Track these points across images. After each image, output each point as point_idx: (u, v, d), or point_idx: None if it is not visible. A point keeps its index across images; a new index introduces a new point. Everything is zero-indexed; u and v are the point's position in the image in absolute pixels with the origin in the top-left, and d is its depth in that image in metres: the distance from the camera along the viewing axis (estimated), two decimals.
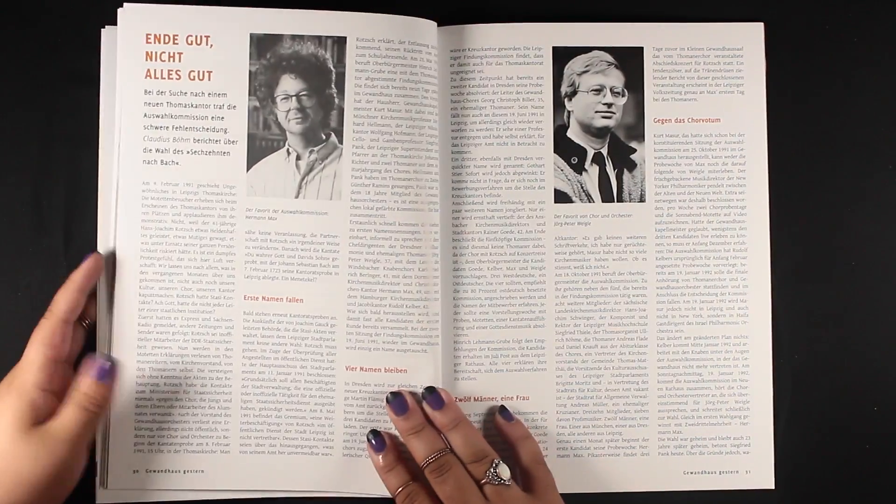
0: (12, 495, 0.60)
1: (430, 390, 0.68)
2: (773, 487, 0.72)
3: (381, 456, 0.67)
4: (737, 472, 0.71)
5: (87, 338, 0.68)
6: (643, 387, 0.71)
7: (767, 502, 0.72)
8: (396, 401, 0.68)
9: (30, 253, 0.72)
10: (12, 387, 0.62)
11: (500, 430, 0.70)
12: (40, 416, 0.62)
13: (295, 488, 0.69)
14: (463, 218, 0.71)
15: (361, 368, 0.69)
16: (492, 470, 0.64)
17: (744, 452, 0.72)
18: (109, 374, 0.65)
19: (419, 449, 0.66)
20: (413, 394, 0.69)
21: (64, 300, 0.65)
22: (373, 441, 0.68)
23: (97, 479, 0.68)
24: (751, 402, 0.72)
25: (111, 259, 0.69)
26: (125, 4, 0.69)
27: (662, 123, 0.72)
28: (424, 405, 0.68)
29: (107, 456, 0.68)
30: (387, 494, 0.68)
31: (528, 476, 0.67)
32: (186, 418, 0.69)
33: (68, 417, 0.62)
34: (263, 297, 0.69)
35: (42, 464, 0.60)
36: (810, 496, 0.73)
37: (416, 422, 0.67)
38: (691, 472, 0.71)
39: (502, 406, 0.70)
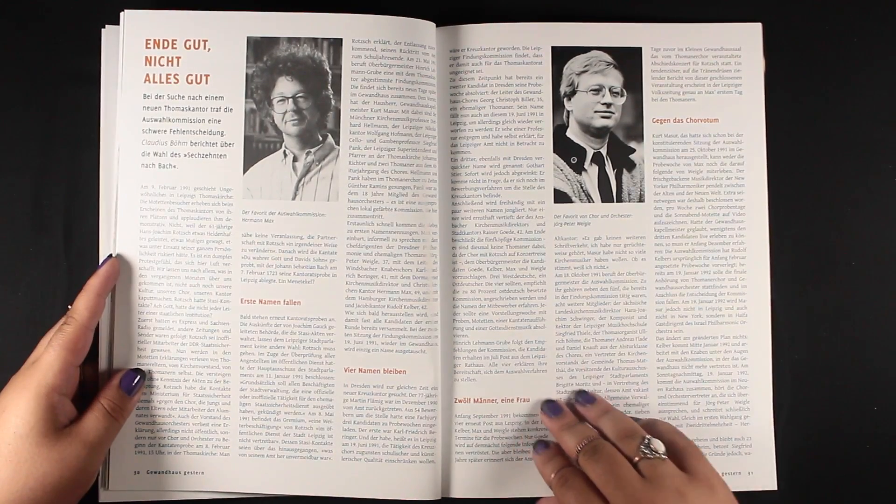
0: (35, 498, 0.60)
1: (581, 392, 0.70)
2: (775, 488, 0.72)
3: (542, 454, 0.67)
4: (739, 473, 0.71)
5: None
6: (643, 388, 0.71)
7: (770, 503, 0.72)
8: (550, 405, 0.69)
9: (30, 253, 0.72)
10: (29, 389, 0.62)
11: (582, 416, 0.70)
12: (60, 420, 0.63)
13: (293, 492, 0.69)
14: (462, 218, 0.71)
15: (360, 370, 0.69)
16: (644, 445, 0.62)
17: (745, 453, 0.71)
18: (137, 386, 0.67)
19: (571, 440, 0.65)
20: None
21: (85, 307, 0.65)
22: (537, 446, 0.68)
23: (99, 480, 0.69)
24: (751, 403, 0.71)
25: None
26: (126, 11, 0.69)
27: (661, 123, 0.72)
28: (576, 405, 0.69)
29: (108, 457, 0.69)
30: (385, 496, 0.68)
31: (672, 451, 0.64)
32: (186, 420, 0.69)
33: (96, 424, 0.64)
34: (260, 300, 0.69)
35: (67, 466, 0.61)
36: (813, 496, 0.73)
37: (568, 419, 0.68)
38: None
39: (581, 390, 0.71)
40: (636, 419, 0.67)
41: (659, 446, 0.61)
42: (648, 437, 0.62)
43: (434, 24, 0.71)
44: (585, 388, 0.71)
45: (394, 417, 0.69)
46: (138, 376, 0.67)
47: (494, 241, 0.71)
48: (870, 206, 0.74)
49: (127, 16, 0.69)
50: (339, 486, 0.69)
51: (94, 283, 0.66)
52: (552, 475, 0.64)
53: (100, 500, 0.69)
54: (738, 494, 0.71)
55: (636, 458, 0.61)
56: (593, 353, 0.71)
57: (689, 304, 0.72)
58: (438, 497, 0.70)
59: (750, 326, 0.72)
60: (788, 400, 0.72)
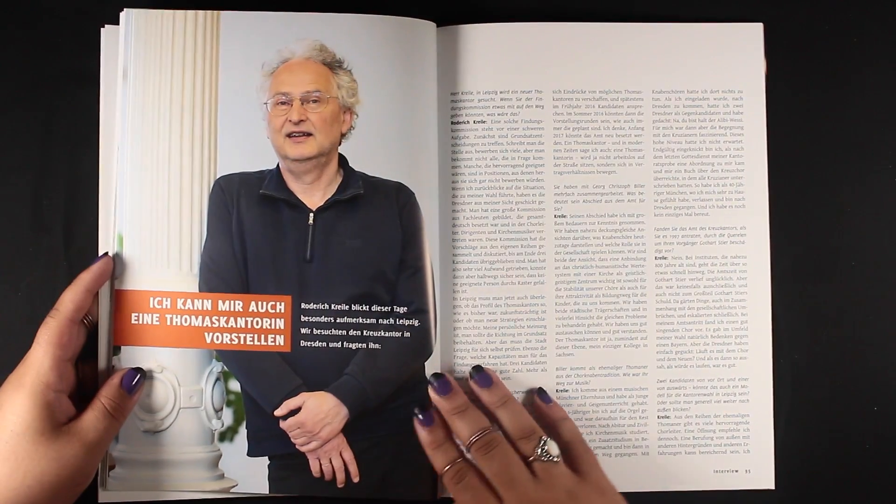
0: (32, 496, 0.60)
1: (478, 369, 0.69)
2: (773, 487, 0.72)
3: (428, 431, 0.67)
4: (736, 471, 0.71)
5: (88, 335, 0.68)
6: (643, 385, 0.71)
7: (767, 502, 0.72)
8: (439, 382, 0.68)
9: (30, 253, 0.72)
10: (23, 388, 0.62)
11: (538, 413, 0.69)
12: (58, 418, 0.62)
13: None
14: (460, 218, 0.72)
15: None
16: (541, 446, 0.63)
17: (744, 452, 0.71)
18: (138, 385, 0.67)
19: (463, 428, 0.65)
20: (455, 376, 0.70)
21: (71, 300, 0.65)
22: (420, 416, 0.68)
23: (98, 479, 0.68)
24: (751, 403, 0.72)
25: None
26: (125, 10, 0.69)
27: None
28: (471, 384, 0.69)
29: (107, 457, 0.68)
30: None
31: (570, 456, 0.66)
32: None
33: (95, 423, 0.64)
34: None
35: (65, 465, 0.61)
36: (810, 496, 0.73)
37: (459, 402, 0.67)
38: (691, 472, 0.71)
39: (540, 388, 0.70)
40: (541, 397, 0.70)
41: (553, 449, 0.64)
42: (545, 438, 0.64)
43: (434, 25, 0.71)
44: (584, 386, 0.71)
45: None
46: (139, 375, 0.67)
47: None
48: (870, 206, 0.74)
49: (126, 15, 0.69)
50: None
51: (84, 278, 0.66)
52: (445, 468, 0.65)
53: (99, 501, 0.69)
54: (735, 493, 0.71)
55: (530, 458, 0.63)
56: (593, 352, 0.71)
57: (689, 303, 0.72)
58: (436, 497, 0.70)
59: (750, 327, 0.72)
60: (788, 400, 0.72)
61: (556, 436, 0.67)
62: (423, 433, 0.67)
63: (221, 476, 0.69)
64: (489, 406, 0.67)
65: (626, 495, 0.69)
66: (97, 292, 0.68)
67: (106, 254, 0.68)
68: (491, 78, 0.72)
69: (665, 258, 0.72)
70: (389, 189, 0.69)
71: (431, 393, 0.68)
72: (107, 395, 0.65)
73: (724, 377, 0.72)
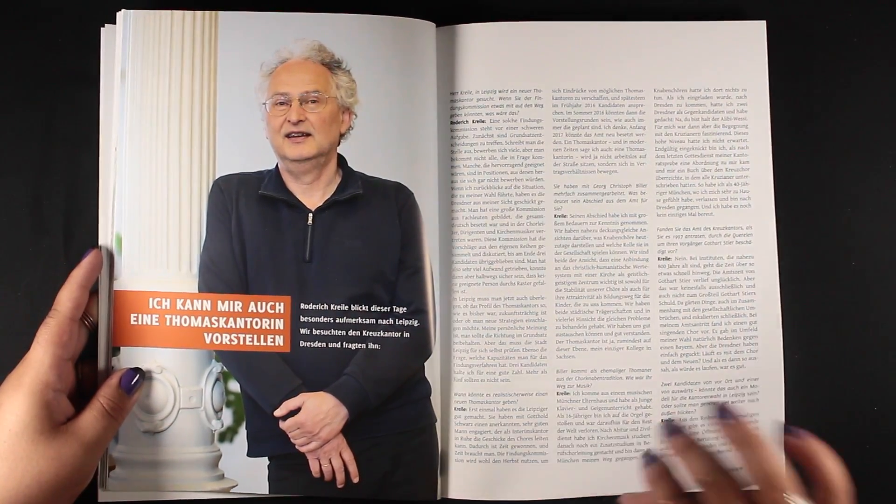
0: (30, 496, 0.60)
1: (719, 407, 0.57)
2: None
3: (652, 468, 0.57)
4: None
5: (89, 336, 0.68)
6: (647, 389, 0.71)
7: None
8: (667, 425, 0.59)
9: (30, 253, 0.72)
10: (23, 387, 0.62)
11: (787, 448, 0.58)
12: (56, 417, 0.62)
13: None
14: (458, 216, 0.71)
15: None
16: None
17: None
18: (136, 385, 0.67)
19: (693, 466, 0.56)
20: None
21: (68, 298, 0.65)
22: (646, 459, 0.58)
23: (98, 479, 0.68)
24: (760, 402, 0.71)
25: (111, 257, 0.69)
26: (122, 11, 0.69)
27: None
28: (716, 419, 0.57)
29: (107, 457, 0.68)
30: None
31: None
32: None
33: (94, 423, 0.64)
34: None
35: (64, 465, 0.61)
36: None
37: (686, 441, 0.57)
38: None
39: (784, 424, 0.61)
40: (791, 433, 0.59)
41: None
42: (793, 495, 0.52)
43: (434, 24, 0.71)
44: (586, 389, 0.71)
45: None
46: (137, 375, 0.67)
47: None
48: (871, 205, 0.74)
49: (123, 16, 0.69)
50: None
51: (76, 275, 0.66)
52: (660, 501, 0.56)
53: (99, 501, 0.69)
54: None
55: None
56: (595, 353, 0.71)
57: (695, 306, 0.72)
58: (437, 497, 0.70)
59: (760, 328, 0.71)
60: (789, 400, 0.72)
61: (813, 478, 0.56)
62: (646, 471, 0.58)
63: (221, 476, 0.69)
64: (732, 443, 0.56)
65: None
66: (96, 292, 0.68)
67: (94, 248, 0.68)
68: (490, 77, 0.72)
69: (668, 259, 0.72)
70: (388, 189, 0.69)
71: (665, 436, 0.59)
72: (105, 395, 0.65)
73: (733, 378, 0.71)
